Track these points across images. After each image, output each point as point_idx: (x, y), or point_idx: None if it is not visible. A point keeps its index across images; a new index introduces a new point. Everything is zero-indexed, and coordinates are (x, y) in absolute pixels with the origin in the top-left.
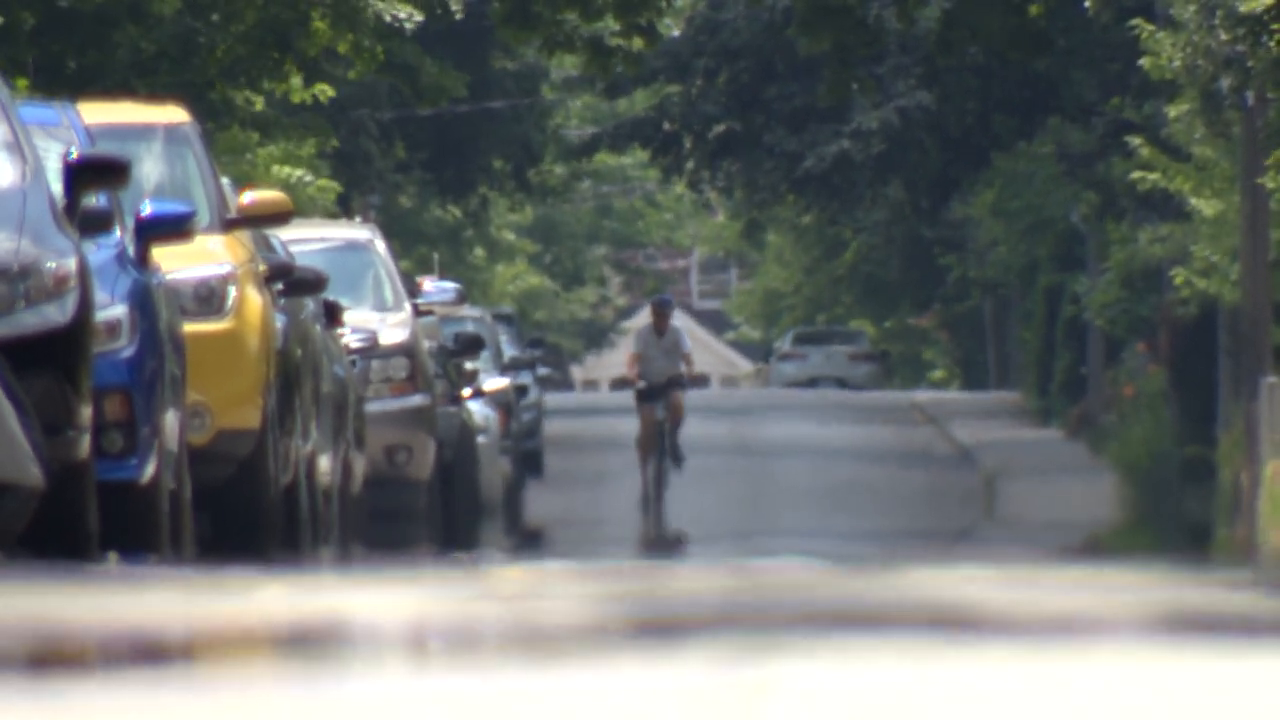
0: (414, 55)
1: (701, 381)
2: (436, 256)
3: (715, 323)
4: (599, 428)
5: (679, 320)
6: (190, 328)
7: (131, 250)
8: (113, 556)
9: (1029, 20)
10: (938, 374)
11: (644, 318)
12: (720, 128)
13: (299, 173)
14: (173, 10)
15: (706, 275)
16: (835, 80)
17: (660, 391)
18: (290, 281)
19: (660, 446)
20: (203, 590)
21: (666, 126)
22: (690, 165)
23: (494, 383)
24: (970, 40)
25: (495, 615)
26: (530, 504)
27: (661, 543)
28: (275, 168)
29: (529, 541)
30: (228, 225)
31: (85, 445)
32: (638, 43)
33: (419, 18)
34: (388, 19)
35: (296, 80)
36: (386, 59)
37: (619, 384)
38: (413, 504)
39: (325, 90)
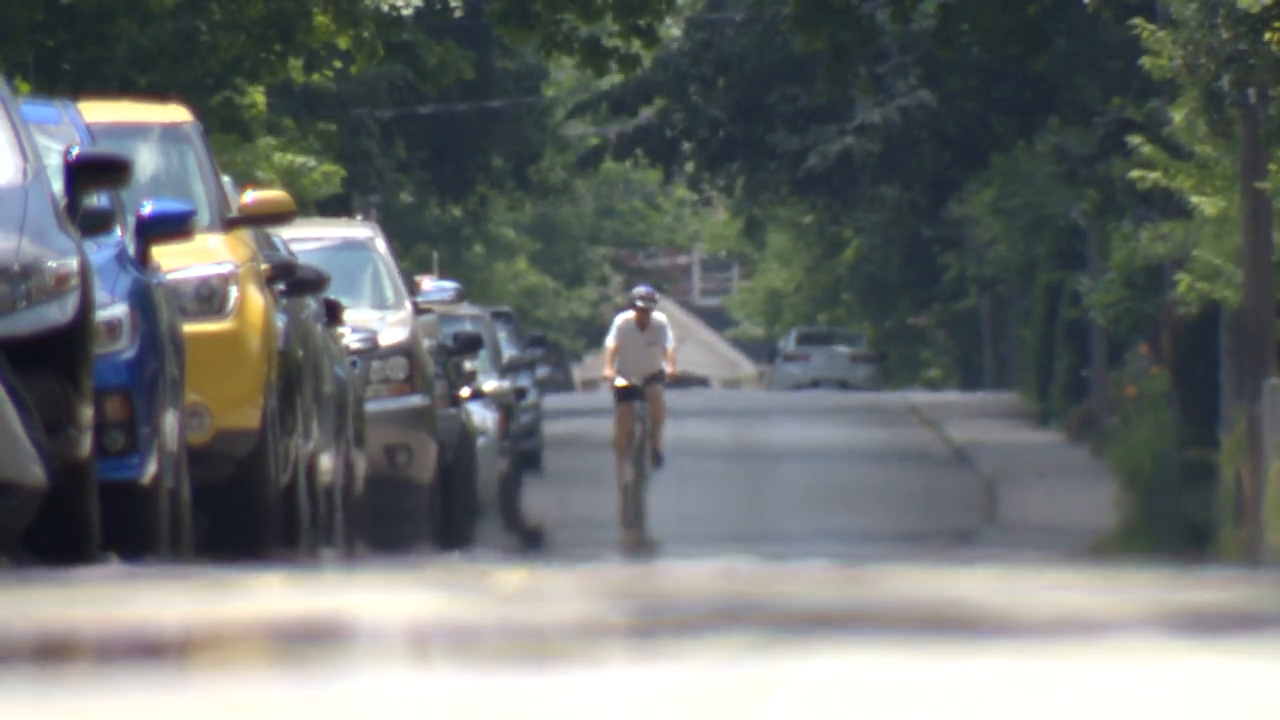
0: (414, 35)
1: (692, 382)
2: (436, 255)
3: (716, 321)
4: (598, 428)
5: (678, 320)
6: (191, 327)
7: (132, 250)
8: (113, 556)
9: (1027, 16)
10: (933, 373)
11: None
12: (722, 133)
13: (301, 159)
14: (174, 7)
15: (708, 274)
16: (831, 77)
17: (639, 390)
18: (292, 281)
19: (640, 445)
20: (202, 590)
21: (669, 134)
22: (691, 166)
23: (492, 384)
24: (968, 35)
25: (495, 615)
26: (529, 504)
27: (642, 546)
28: (276, 155)
29: (528, 542)
30: (229, 224)
31: (86, 444)
32: (637, 45)
33: (417, 3)
34: (385, 8)
35: (297, 64)
36: (387, 45)
37: None
38: (414, 504)
39: (326, 75)
